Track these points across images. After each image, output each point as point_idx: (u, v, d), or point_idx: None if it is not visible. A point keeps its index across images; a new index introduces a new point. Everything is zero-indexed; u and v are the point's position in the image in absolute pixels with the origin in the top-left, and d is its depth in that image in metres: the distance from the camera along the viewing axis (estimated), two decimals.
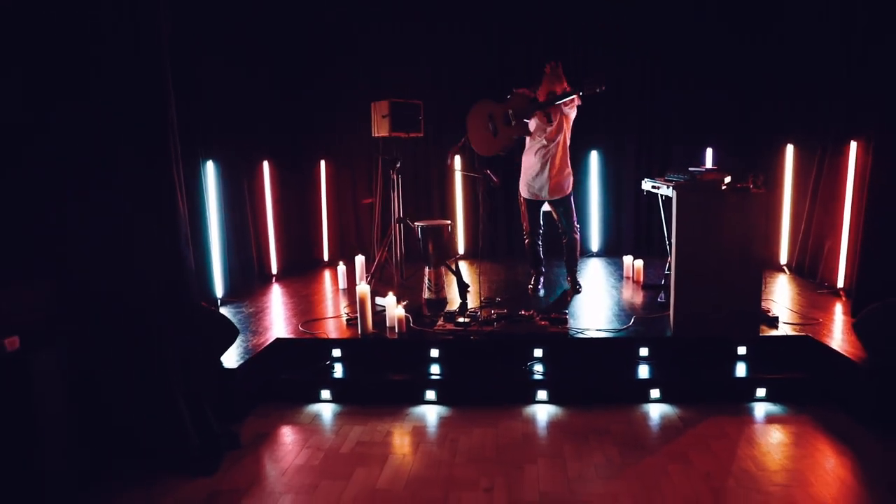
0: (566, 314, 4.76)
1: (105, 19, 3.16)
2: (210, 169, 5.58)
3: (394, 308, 4.68)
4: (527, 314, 4.71)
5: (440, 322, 4.74)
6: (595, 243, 7.84)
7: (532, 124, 5.43)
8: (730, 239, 4.24)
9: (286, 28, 7.02)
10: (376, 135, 5.86)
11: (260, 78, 6.61)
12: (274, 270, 6.88)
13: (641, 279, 6.21)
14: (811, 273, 5.98)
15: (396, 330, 4.63)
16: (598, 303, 5.41)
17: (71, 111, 3.17)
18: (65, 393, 2.99)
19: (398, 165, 5.87)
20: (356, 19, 7.43)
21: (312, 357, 4.56)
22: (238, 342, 4.44)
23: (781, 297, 5.47)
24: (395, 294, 4.86)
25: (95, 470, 3.28)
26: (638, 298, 5.64)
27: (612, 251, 7.79)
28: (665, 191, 4.91)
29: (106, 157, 3.23)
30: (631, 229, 7.85)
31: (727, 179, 4.37)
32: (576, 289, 5.76)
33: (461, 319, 4.71)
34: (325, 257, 7.76)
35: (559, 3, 7.38)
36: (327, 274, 7.09)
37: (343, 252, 7.78)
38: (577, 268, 5.87)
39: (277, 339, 4.59)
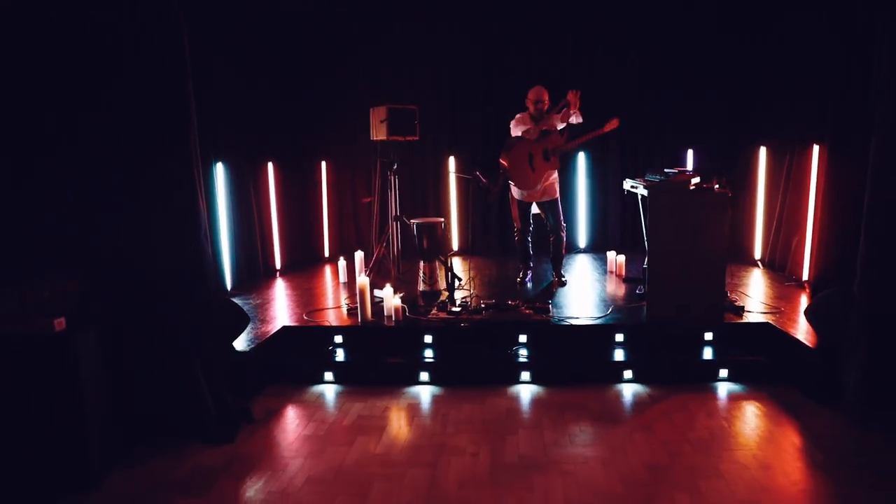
0: (549, 304, 5.18)
1: (137, 36, 3.57)
2: (219, 170, 5.98)
3: (391, 298, 5.10)
4: (513, 304, 5.13)
5: (433, 311, 5.15)
6: (582, 240, 8.27)
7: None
8: (697, 235, 4.66)
9: (288, 35, 7.44)
10: (374, 138, 6.27)
11: (263, 83, 7.02)
12: (278, 265, 7.29)
13: (623, 273, 6.62)
14: (781, 267, 6.41)
15: (393, 318, 5.05)
16: (580, 294, 5.83)
17: (104, 121, 3.58)
18: (104, 369, 3.40)
19: (395, 167, 6.27)
20: (356, 26, 7.83)
21: (316, 343, 4.97)
22: (248, 329, 4.85)
23: (751, 289, 5.90)
24: (392, 286, 5.28)
25: (129, 440, 3.69)
26: (619, 291, 6.06)
27: (598, 247, 8.20)
28: (641, 190, 5.33)
29: (136, 161, 3.64)
30: (617, 226, 8.27)
31: (695, 180, 4.79)
32: (561, 282, 6.18)
33: (453, 308, 5.13)
34: (326, 253, 8.17)
35: (554, 6, 7.79)
36: (328, 269, 7.49)
37: (343, 248, 8.20)
38: (562, 263, 6.29)
39: (284, 327, 5.00)
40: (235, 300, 5.82)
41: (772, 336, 4.67)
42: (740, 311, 5.00)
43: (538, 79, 6.33)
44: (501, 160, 5.81)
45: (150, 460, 3.57)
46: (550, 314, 5.00)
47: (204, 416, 3.81)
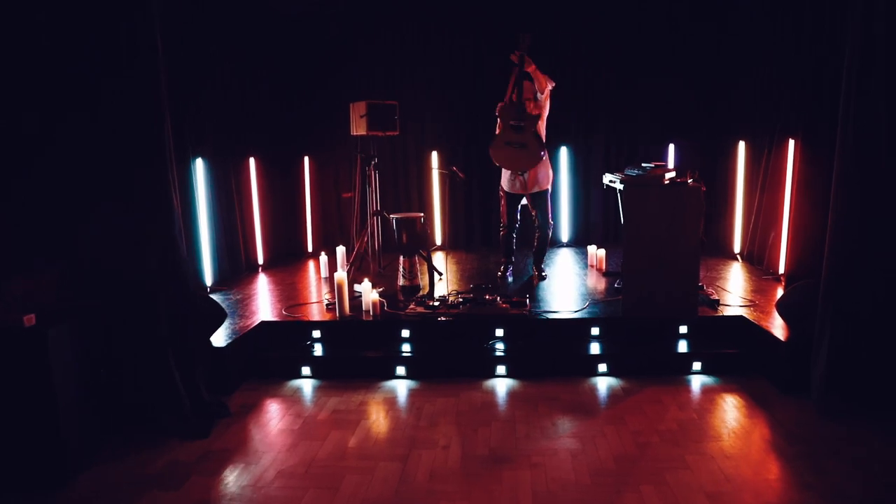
0: (527, 298, 5.21)
1: (110, 40, 3.58)
2: (199, 166, 5.98)
3: (369, 293, 5.12)
4: (490, 298, 5.16)
5: (412, 306, 5.18)
6: (565, 234, 8.31)
7: (532, 106, 5.79)
8: (671, 229, 4.70)
9: (271, 32, 7.43)
10: (354, 133, 6.28)
11: (245, 79, 7.00)
12: (260, 260, 7.30)
13: (604, 267, 6.67)
14: (759, 261, 6.46)
15: (371, 313, 5.07)
16: (560, 288, 5.86)
17: (83, 123, 3.59)
18: (77, 364, 3.41)
19: (375, 162, 6.28)
20: (338, 23, 7.84)
21: (295, 338, 4.99)
22: (227, 324, 4.87)
23: (729, 282, 5.95)
24: (372, 281, 5.30)
25: (106, 434, 3.70)
26: (598, 285, 6.10)
27: (581, 241, 8.24)
28: (619, 185, 5.37)
29: (112, 161, 3.65)
30: (599, 221, 8.32)
31: (669, 175, 4.83)
32: (541, 276, 6.21)
33: (431, 303, 5.16)
34: (309, 248, 8.20)
35: (537, 3, 7.81)
36: (311, 264, 7.51)
37: (326, 243, 8.22)
38: (543, 258, 6.31)
39: (262, 322, 5.02)
40: (215, 296, 5.85)
41: (745, 329, 4.72)
42: (716, 304, 5.05)
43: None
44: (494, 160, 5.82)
45: (126, 454, 3.59)
46: (527, 308, 5.03)
47: (179, 411, 3.83)
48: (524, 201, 6.09)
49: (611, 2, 7.75)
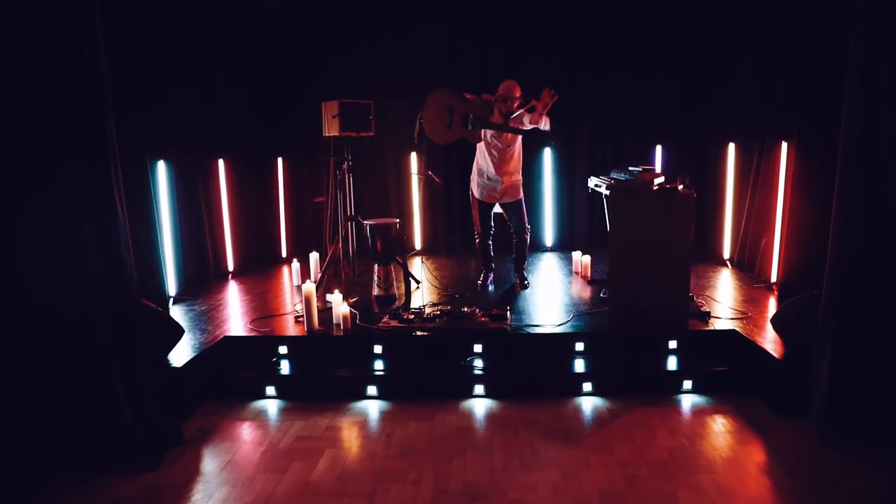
0: (507, 310, 4.91)
1: (45, 35, 3.23)
2: (162, 169, 5.64)
3: (339, 305, 4.81)
4: (469, 311, 4.86)
5: (385, 318, 4.87)
6: (549, 238, 8.02)
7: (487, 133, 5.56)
8: (660, 238, 4.42)
9: (242, 29, 7.07)
10: (327, 134, 5.96)
11: (213, 77, 6.66)
12: (230, 267, 6.97)
13: (589, 274, 6.39)
14: (750, 267, 6.21)
15: (342, 327, 4.76)
16: (542, 298, 5.58)
17: (13, 126, 3.24)
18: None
19: (348, 164, 5.95)
20: (313, 20, 7.51)
21: (260, 354, 4.67)
22: (188, 340, 4.55)
23: (719, 291, 5.69)
24: (346, 290, 5.00)
25: (38, 468, 3.37)
26: (583, 293, 5.83)
27: (565, 246, 7.96)
28: (604, 190, 5.09)
29: (47, 168, 3.30)
30: (584, 224, 8.04)
31: (658, 180, 4.55)
32: (523, 285, 5.92)
33: (406, 316, 4.85)
34: (284, 253, 7.86)
35: (518, 8, 7.52)
36: (285, 270, 7.18)
37: (301, 247, 7.89)
38: (525, 265, 6.03)
39: (226, 337, 4.70)
40: (178, 307, 5.54)
41: (738, 344, 4.45)
42: (706, 316, 4.78)
43: (502, 73, 6.06)
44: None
45: (62, 494, 3.26)
46: (508, 322, 4.74)
47: (126, 440, 3.50)
48: (497, 208, 5.81)
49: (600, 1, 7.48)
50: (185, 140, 6.17)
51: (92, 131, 3.39)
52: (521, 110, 5.46)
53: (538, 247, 7.97)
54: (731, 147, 6.65)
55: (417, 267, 6.94)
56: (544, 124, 5.43)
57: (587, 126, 7.82)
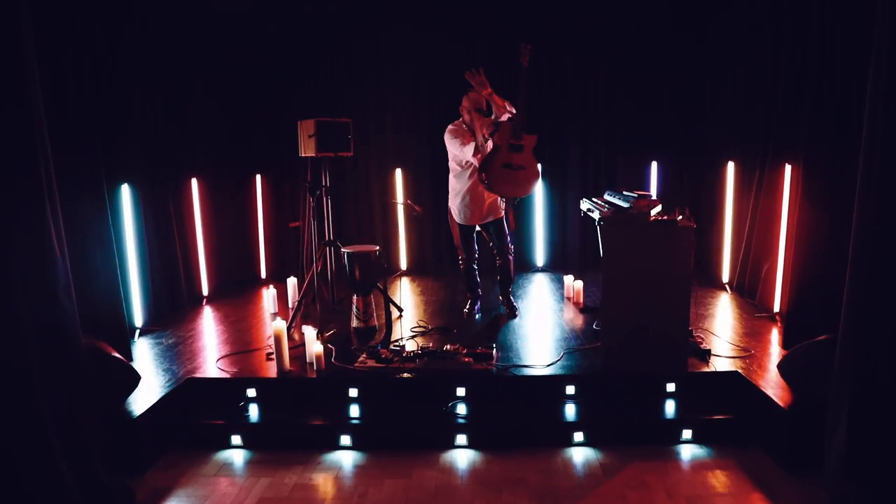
0: (493, 349, 4.58)
1: None
2: (126, 194, 5.29)
3: (313, 343, 4.47)
4: (451, 349, 4.52)
5: (362, 357, 4.53)
6: (540, 258, 7.69)
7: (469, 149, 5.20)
8: (657, 273, 4.10)
9: (216, 45, 6.72)
10: (303, 154, 5.62)
11: (186, 94, 6.32)
12: (205, 291, 6.62)
13: (581, 300, 6.07)
14: (751, 293, 5.89)
15: (315, 367, 4.42)
16: (532, 330, 5.25)
17: None
18: None
19: (324, 188, 5.58)
20: (293, 31, 7.18)
21: (227, 398, 4.32)
22: (150, 383, 4.22)
23: (718, 321, 5.38)
24: (324, 319, 4.70)
25: None
26: (575, 321, 5.52)
27: (557, 266, 7.65)
28: (596, 216, 4.76)
29: None
30: (577, 243, 7.72)
31: (655, 210, 4.23)
32: (512, 313, 5.58)
33: (385, 355, 4.52)
34: (263, 274, 7.52)
35: (505, 14, 7.20)
36: (263, 293, 6.82)
37: (281, 268, 7.56)
38: (511, 290, 5.70)
39: (189, 379, 4.35)
40: (145, 340, 5.21)
41: (740, 387, 4.12)
42: (706, 355, 4.45)
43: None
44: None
45: None
46: (493, 362, 4.41)
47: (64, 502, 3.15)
48: (477, 228, 5.47)
49: (588, 9, 7.15)
50: (155, 160, 5.84)
51: (18, 170, 3.03)
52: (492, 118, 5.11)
53: (529, 267, 7.65)
54: (731, 166, 6.33)
55: (402, 288, 6.62)
56: (507, 108, 5.05)
57: (578, 141, 7.50)
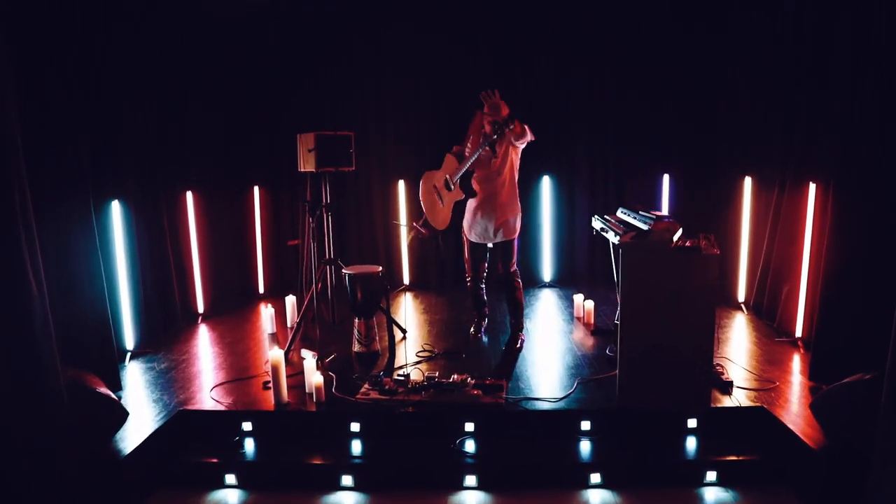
0: (503, 381, 4.33)
1: None
2: (116, 210, 5.05)
3: (312, 373, 4.22)
4: (459, 379, 4.28)
5: (364, 388, 4.29)
6: (547, 273, 7.45)
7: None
8: (679, 300, 3.85)
9: (215, 55, 6.48)
10: (302, 169, 5.38)
11: (182, 105, 6.08)
12: (201, 308, 6.37)
13: (592, 321, 5.83)
14: (769, 315, 5.64)
15: (315, 399, 4.18)
16: (542, 355, 5.01)
17: None
18: None
19: (326, 204, 5.28)
20: (292, 37, 6.94)
21: (221, 432, 4.07)
22: (140, 415, 3.99)
23: (737, 346, 5.14)
24: (324, 340, 4.48)
25: None
26: (586, 343, 5.30)
27: (565, 281, 7.41)
28: (612, 238, 4.52)
29: None
30: (585, 258, 7.48)
31: (677, 235, 3.98)
32: (518, 336, 5.27)
33: (388, 385, 4.27)
34: (261, 289, 7.28)
35: (512, 19, 6.96)
36: (262, 310, 6.57)
37: (280, 283, 7.31)
38: (521, 315, 5.36)
39: (181, 412, 4.10)
40: (136, 364, 4.98)
41: (766, 423, 3.88)
42: (728, 387, 4.20)
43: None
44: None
45: None
46: (503, 394, 4.16)
47: None
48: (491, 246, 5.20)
49: (596, 11, 6.91)
50: (148, 173, 5.61)
51: None
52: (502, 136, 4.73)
53: (536, 282, 7.40)
54: (748, 181, 6.08)
55: (406, 304, 6.37)
56: (525, 135, 4.72)
57: (586, 152, 7.25)
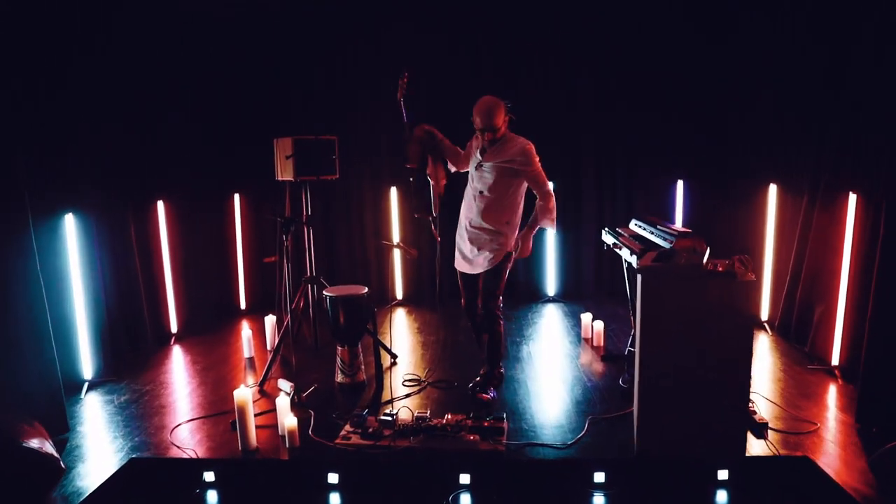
0: (503, 420, 3.78)
1: None
2: (70, 224, 4.51)
3: (285, 414, 3.68)
4: (454, 420, 3.73)
5: (345, 429, 3.75)
6: (551, 286, 6.90)
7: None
8: (709, 332, 3.31)
9: (193, 44, 5.94)
10: (280, 178, 4.84)
11: (152, 108, 5.55)
12: (174, 328, 5.83)
13: (602, 343, 5.30)
14: (798, 337, 5.09)
15: (288, 444, 3.64)
16: (547, 386, 4.47)
17: None
18: None
19: (295, 226, 4.63)
20: (279, 35, 6.40)
21: (180, 484, 3.52)
22: (88, 463, 3.47)
23: (764, 372, 4.60)
24: (302, 369, 3.91)
25: None
26: (597, 369, 4.78)
27: (570, 295, 6.87)
28: (627, 256, 3.99)
29: None
30: (591, 270, 6.95)
31: (706, 255, 3.44)
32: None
33: (372, 427, 3.73)
34: (243, 305, 6.73)
35: (512, 20, 6.43)
36: (243, 328, 6.05)
37: (265, 297, 6.76)
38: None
39: (132, 460, 3.56)
40: (95, 395, 4.48)
41: (810, 477, 3.33)
42: (762, 430, 3.66)
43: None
44: None
45: None
46: (504, 438, 3.62)
47: None
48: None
49: (602, 10, 6.37)
50: (112, 184, 5.08)
51: None
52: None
53: (539, 296, 6.86)
54: (773, 189, 5.53)
55: (397, 322, 5.83)
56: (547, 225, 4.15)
57: (592, 155, 6.72)
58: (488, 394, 4.21)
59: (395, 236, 6.73)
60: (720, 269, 3.30)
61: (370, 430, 3.70)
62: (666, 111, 6.44)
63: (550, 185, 4.08)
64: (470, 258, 4.14)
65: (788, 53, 5.14)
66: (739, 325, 3.28)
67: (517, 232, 4.15)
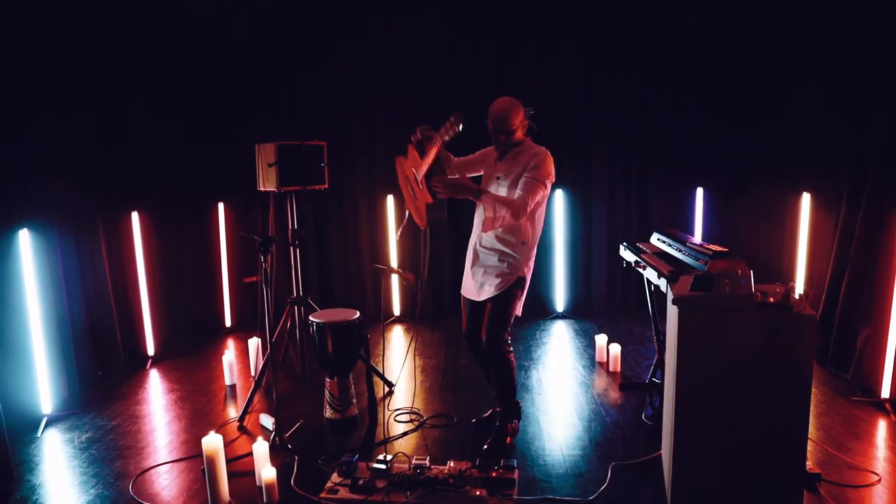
0: (514, 469, 3.28)
1: None
2: (25, 242, 4.02)
3: (263, 463, 3.19)
4: (457, 469, 3.23)
5: (333, 480, 3.26)
6: (560, 301, 6.40)
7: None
8: (760, 376, 2.81)
9: (173, 43, 5.46)
10: (262, 188, 4.35)
11: (123, 105, 5.07)
12: (151, 350, 5.33)
13: (619, 369, 4.81)
14: (838, 363, 4.59)
15: (265, 498, 3.14)
16: (560, 420, 3.98)
17: None
18: None
19: (272, 247, 4.05)
20: (266, 34, 5.91)
21: None
22: None
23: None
24: (286, 401, 3.42)
25: None
26: (615, 400, 4.28)
27: (580, 311, 6.38)
28: (655, 279, 3.51)
29: None
30: (603, 283, 6.46)
31: (751, 282, 2.94)
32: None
33: (363, 477, 3.24)
34: (228, 322, 6.23)
35: (509, 20, 5.96)
36: (230, 346, 5.58)
37: (253, 315, 6.25)
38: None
39: None
40: (54, 432, 3.96)
41: None
42: (815, 481, 3.17)
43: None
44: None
45: None
46: (514, 493, 3.12)
47: None
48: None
49: (611, 5, 5.90)
50: (78, 195, 4.61)
51: None
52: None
53: (548, 312, 6.37)
54: (806, 199, 5.04)
55: (395, 340, 5.33)
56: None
57: (605, 160, 6.24)
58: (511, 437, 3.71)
59: (394, 235, 6.22)
60: (771, 299, 2.80)
61: (361, 481, 3.20)
62: (683, 113, 5.95)
63: (531, 207, 3.38)
64: (477, 282, 3.60)
65: (825, 52, 4.66)
66: (796, 368, 2.77)
67: (533, 255, 3.61)
